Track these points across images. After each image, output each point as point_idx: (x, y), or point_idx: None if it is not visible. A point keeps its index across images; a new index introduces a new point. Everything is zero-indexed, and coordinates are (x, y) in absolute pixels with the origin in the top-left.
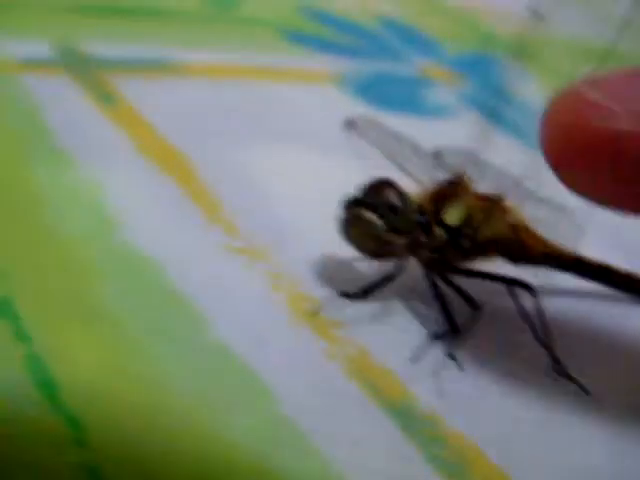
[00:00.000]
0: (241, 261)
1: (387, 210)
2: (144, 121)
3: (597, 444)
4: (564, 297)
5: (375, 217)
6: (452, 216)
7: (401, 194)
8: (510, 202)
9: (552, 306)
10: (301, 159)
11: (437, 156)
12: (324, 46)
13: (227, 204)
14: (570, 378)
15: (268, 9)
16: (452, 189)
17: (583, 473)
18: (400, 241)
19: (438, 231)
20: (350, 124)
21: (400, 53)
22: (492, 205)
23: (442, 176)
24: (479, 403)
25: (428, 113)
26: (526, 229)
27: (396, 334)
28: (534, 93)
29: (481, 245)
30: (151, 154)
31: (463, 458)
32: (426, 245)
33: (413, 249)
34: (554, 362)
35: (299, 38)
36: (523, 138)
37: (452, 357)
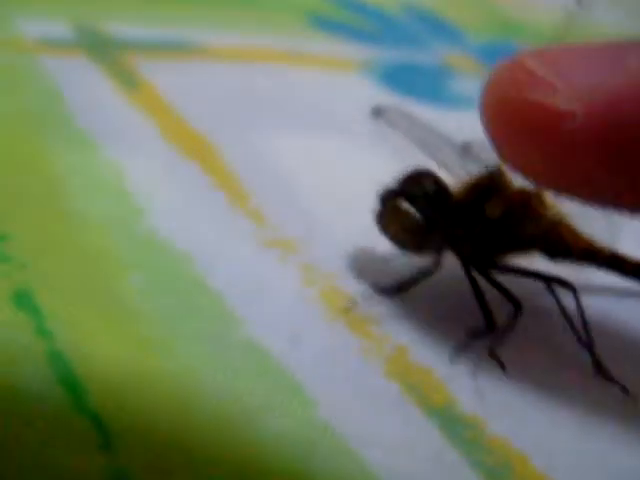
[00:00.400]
0: (271, 253)
1: (425, 202)
2: (167, 104)
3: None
4: (602, 295)
5: (413, 209)
6: (492, 209)
7: (440, 185)
8: (549, 197)
9: (591, 304)
10: (328, 148)
11: (466, 148)
12: (349, 33)
13: (254, 193)
14: (611, 379)
15: None
16: (491, 181)
17: (627, 478)
18: (438, 235)
19: (478, 225)
20: (378, 112)
21: (424, 41)
22: (532, 199)
23: (473, 168)
24: (520, 405)
25: (452, 104)
26: (565, 224)
27: (434, 332)
28: None
29: (522, 240)
30: (175, 139)
31: (507, 463)
32: (465, 239)
33: (452, 243)
34: (595, 363)
35: (324, 24)
36: None
37: (494, 356)
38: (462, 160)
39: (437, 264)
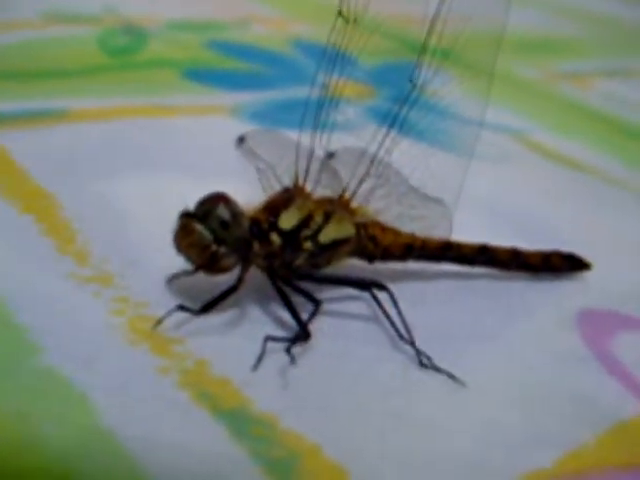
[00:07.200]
0: (86, 289)
1: (217, 225)
2: (17, 167)
3: (462, 433)
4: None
5: (204, 229)
6: (286, 222)
7: (232, 209)
8: (357, 202)
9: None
10: (175, 187)
11: (330, 156)
12: (227, 81)
13: (83, 235)
14: (437, 368)
15: (173, 47)
16: (286, 197)
17: (440, 462)
18: (231, 255)
19: (274, 238)
20: (241, 140)
21: (313, 75)
22: (332, 207)
23: (330, 178)
24: (320, 402)
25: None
26: (377, 225)
27: (240, 343)
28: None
29: (326, 246)
30: (15, 195)
31: (295, 454)
32: (262, 253)
33: (247, 260)
34: (419, 355)
35: (201, 76)
36: (425, 138)
37: (289, 352)
38: (323, 169)
39: (240, 282)
